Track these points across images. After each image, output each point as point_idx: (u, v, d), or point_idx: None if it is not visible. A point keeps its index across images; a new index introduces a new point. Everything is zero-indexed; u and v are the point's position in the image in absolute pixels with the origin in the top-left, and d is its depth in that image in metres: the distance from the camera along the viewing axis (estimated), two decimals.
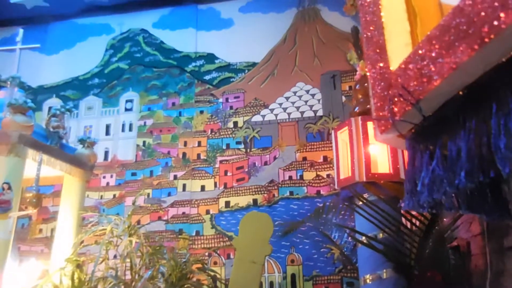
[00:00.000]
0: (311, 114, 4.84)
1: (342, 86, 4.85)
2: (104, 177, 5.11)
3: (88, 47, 5.66)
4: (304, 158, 4.70)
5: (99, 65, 5.57)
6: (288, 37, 5.19)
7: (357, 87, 3.33)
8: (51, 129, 3.04)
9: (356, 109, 3.23)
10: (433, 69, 0.86)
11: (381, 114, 1.11)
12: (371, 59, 1.08)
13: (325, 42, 5.03)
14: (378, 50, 1.04)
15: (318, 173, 4.61)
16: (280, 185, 4.66)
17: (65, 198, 3.33)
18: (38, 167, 2.73)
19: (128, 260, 2.89)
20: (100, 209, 4.95)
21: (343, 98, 4.82)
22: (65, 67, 5.63)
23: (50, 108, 5.44)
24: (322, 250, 4.29)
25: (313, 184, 4.58)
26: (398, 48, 1.01)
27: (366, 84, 3.11)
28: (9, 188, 2.58)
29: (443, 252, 2.38)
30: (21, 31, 3.55)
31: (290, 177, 4.66)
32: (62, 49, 5.70)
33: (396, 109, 1.04)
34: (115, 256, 3.11)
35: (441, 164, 1.00)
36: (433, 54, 0.86)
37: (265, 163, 4.79)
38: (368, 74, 1.10)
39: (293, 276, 4.31)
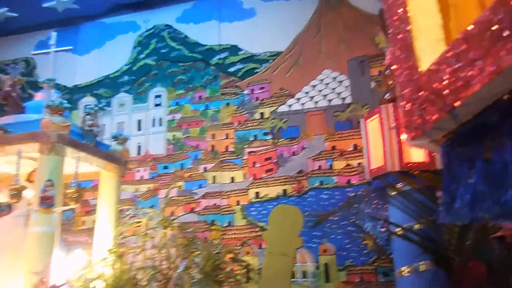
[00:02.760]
0: (339, 101, 4.64)
1: (371, 71, 4.59)
2: (138, 171, 5.16)
3: (117, 45, 5.66)
4: (333, 147, 4.53)
5: (128, 63, 5.57)
6: (312, 24, 4.95)
7: (387, 72, 3.11)
8: (86, 128, 3.08)
9: (387, 96, 3.04)
10: (471, 72, 0.71)
11: (411, 119, 0.96)
12: (397, 58, 0.93)
13: (352, 27, 4.76)
14: (404, 48, 0.89)
15: (348, 162, 4.42)
16: (309, 175, 4.52)
17: (102, 192, 3.41)
18: (76, 164, 2.79)
19: (164, 251, 2.92)
20: (136, 201, 5.00)
21: (373, 84, 4.56)
22: (96, 66, 5.67)
23: (85, 106, 5.52)
24: (355, 240, 4.14)
25: (344, 174, 4.41)
26: (428, 45, 0.85)
27: None
28: (52, 185, 2.65)
29: (486, 243, 2.21)
30: (54, 34, 3.56)
31: (320, 167, 4.51)
32: (93, 48, 5.74)
33: (427, 116, 0.89)
34: (152, 247, 3.13)
35: (484, 178, 0.84)
36: (471, 55, 0.70)
37: (293, 153, 4.65)
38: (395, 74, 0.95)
39: (326, 266, 4.20)
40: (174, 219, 3.51)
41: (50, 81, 3.16)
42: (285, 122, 4.77)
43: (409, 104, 0.96)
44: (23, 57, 5.92)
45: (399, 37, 0.89)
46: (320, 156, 4.53)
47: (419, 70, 0.85)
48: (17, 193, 2.65)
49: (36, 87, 5.20)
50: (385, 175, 2.86)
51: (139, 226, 3.18)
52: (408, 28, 0.89)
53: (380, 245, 3.95)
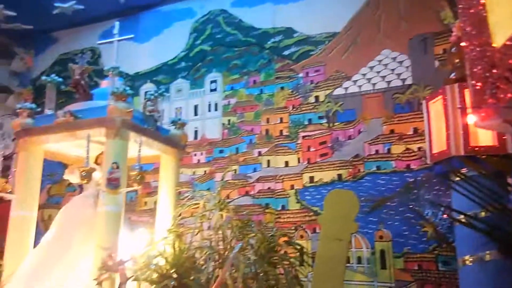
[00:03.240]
0: (399, 83, 4.42)
1: (435, 49, 4.31)
2: (195, 155, 5.32)
3: (174, 32, 5.79)
4: (392, 131, 4.35)
5: (184, 49, 5.70)
6: (370, 1, 4.73)
7: (453, 50, 2.92)
8: (147, 113, 3.21)
9: (452, 75, 2.86)
10: None
11: (481, 99, 0.90)
12: (468, 34, 0.86)
13: (414, 2, 4.47)
14: (477, 23, 0.82)
15: (408, 146, 4.24)
16: (366, 160, 4.40)
17: (162, 175, 3.57)
18: (139, 148, 2.92)
19: (220, 232, 3.03)
20: (194, 184, 5.18)
21: (436, 63, 4.29)
22: (156, 53, 5.87)
23: (146, 92, 5.77)
24: (413, 227, 3.99)
25: (402, 158, 4.23)
26: (503, 20, 0.78)
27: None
28: (117, 167, 2.81)
29: None
30: (117, 23, 3.73)
31: (377, 151, 4.36)
32: (152, 36, 5.93)
33: (500, 95, 0.82)
34: (208, 228, 3.25)
35: None
36: None
37: (349, 137, 4.54)
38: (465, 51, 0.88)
39: (382, 252, 4.11)
40: (229, 202, 3.60)
41: (114, 69, 3.33)
42: (340, 105, 4.65)
43: (480, 83, 0.89)
44: (89, 47, 6.27)
45: (470, 11, 0.82)
46: (378, 140, 4.38)
47: (492, 46, 0.79)
48: (87, 175, 2.85)
49: (102, 75, 5.52)
50: (449, 159, 2.71)
51: (196, 207, 3.31)
52: (481, 2, 0.82)
53: (441, 233, 3.78)
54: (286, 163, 4.78)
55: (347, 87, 4.66)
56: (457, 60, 2.81)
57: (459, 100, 2.69)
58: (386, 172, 4.26)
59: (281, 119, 4.94)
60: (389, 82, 4.47)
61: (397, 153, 4.26)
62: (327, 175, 4.51)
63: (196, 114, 5.47)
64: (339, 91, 4.69)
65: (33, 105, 3.28)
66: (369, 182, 4.30)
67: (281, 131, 4.91)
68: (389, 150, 4.31)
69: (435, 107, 2.90)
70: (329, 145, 4.60)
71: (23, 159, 3.21)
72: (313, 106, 4.79)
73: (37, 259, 3.00)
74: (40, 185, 3.37)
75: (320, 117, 4.73)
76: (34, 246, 3.20)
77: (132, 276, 2.74)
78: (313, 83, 4.85)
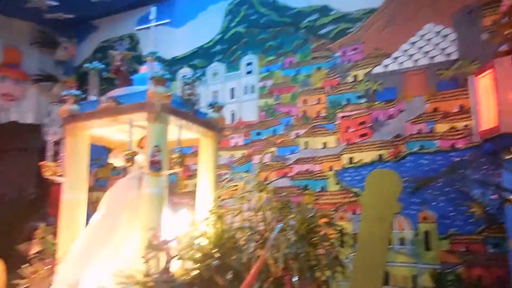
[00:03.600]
0: (443, 58, 4.21)
1: (482, 21, 4.05)
2: (232, 138, 5.37)
3: (209, 15, 5.79)
4: (435, 109, 4.18)
5: (219, 32, 5.69)
6: None
7: (503, 20, 2.75)
8: (186, 97, 3.25)
9: (503, 48, 2.70)
10: None
11: None
12: None
13: None
14: None
15: (453, 124, 4.05)
16: (407, 140, 4.26)
17: (202, 158, 3.62)
18: (179, 131, 2.97)
19: (260, 213, 3.05)
20: (232, 167, 5.24)
21: (484, 36, 4.02)
22: (191, 37, 5.91)
23: (182, 77, 5.85)
24: (459, 208, 3.85)
25: (447, 137, 4.06)
26: None
27: None
28: (159, 150, 2.87)
29: None
30: (153, 9, 3.76)
31: (419, 130, 4.21)
32: (187, 21, 5.97)
33: None
34: (248, 209, 3.29)
35: None
36: None
37: (390, 117, 4.40)
38: None
39: (426, 233, 4.00)
40: (268, 184, 3.61)
41: (152, 54, 3.38)
42: (380, 84, 4.50)
43: None
44: (128, 33, 6.41)
45: None
46: (420, 118, 4.22)
47: None
48: (130, 158, 2.92)
49: (140, 61, 5.63)
50: (499, 136, 2.58)
51: (236, 189, 3.35)
52: None
53: (490, 213, 3.63)
54: (324, 145, 4.72)
55: (387, 65, 4.50)
56: (507, 32, 2.64)
57: (511, 74, 2.53)
58: (429, 151, 4.11)
59: (318, 100, 4.87)
60: (432, 57, 4.27)
61: (441, 132, 4.10)
62: (367, 156, 4.42)
63: (232, 97, 5.49)
64: (378, 69, 4.54)
65: (78, 92, 3.39)
66: (411, 163, 4.17)
67: (318, 112, 4.85)
68: (432, 129, 4.15)
69: (484, 82, 2.75)
70: (369, 125, 4.50)
71: (71, 144, 3.34)
72: (351, 86, 4.68)
73: (87, 238, 3.15)
74: (89, 169, 3.51)
75: (359, 97, 4.61)
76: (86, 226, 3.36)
77: (177, 255, 2.83)
78: (351, 62, 4.72)
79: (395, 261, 3.99)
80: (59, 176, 3.27)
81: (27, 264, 3.18)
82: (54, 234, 3.30)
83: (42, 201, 6.73)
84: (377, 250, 3.02)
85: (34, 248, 3.28)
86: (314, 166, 4.72)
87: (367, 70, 4.60)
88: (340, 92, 4.74)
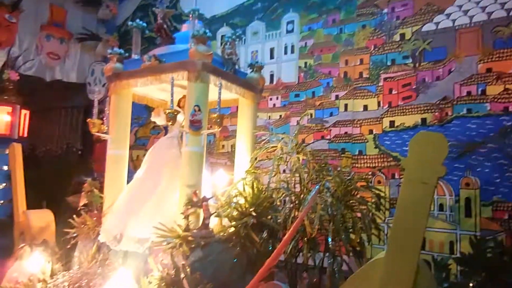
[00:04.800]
0: (502, 14, 3.86)
1: None
2: (270, 99, 5.33)
3: None
4: (489, 70, 3.91)
5: None
6: None
7: None
8: (226, 56, 3.23)
9: None
10: None
11: None
12: None
13: None
14: None
15: (507, 86, 3.80)
16: (455, 102, 4.05)
17: (240, 118, 3.64)
18: (219, 91, 2.97)
19: (297, 175, 3.09)
20: (269, 128, 5.25)
21: None
22: None
23: (222, 36, 5.80)
24: (506, 174, 3.69)
25: (500, 100, 3.82)
26: None
27: None
28: (199, 109, 2.91)
29: None
30: None
31: (469, 93, 3.98)
32: None
33: None
34: (284, 171, 3.32)
35: None
36: None
37: (437, 78, 4.18)
38: None
39: (467, 200, 3.88)
40: (305, 146, 3.59)
41: (194, 11, 3.34)
42: (429, 43, 4.25)
43: None
44: None
45: None
46: (471, 80, 3.97)
47: None
48: (172, 117, 2.97)
49: (180, 20, 5.62)
50: None
51: (273, 151, 3.37)
52: None
53: None
54: (365, 107, 4.59)
55: (439, 22, 4.21)
56: None
57: None
58: (479, 115, 3.89)
59: (361, 60, 4.68)
60: (490, 13, 3.93)
61: (493, 94, 3.86)
62: (410, 120, 4.26)
63: (272, 57, 5.39)
64: (428, 27, 4.26)
65: (122, 51, 3.44)
66: (457, 127, 3.99)
67: (360, 73, 4.68)
68: (483, 91, 3.91)
69: None
70: (414, 87, 4.30)
71: (115, 101, 3.44)
72: (398, 45, 4.44)
73: (131, 194, 3.31)
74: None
75: (405, 57, 4.38)
76: (127, 182, 3.52)
77: (215, 212, 2.93)
78: (399, 19, 4.46)
79: (433, 226, 3.93)
80: (104, 133, 3.40)
81: (75, 215, 3.42)
82: (99, 188, 3.49)
83: (88, 157, 7.11)
84: (418, 214, 2.97)
85: (82, 201, 3.48)
86: (353, 129, 4.63)
87: (416, 28, 4.33)
88: (385, 52, 4.52)
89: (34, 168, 4.92)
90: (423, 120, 4.19)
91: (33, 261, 3.00)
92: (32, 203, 4.40)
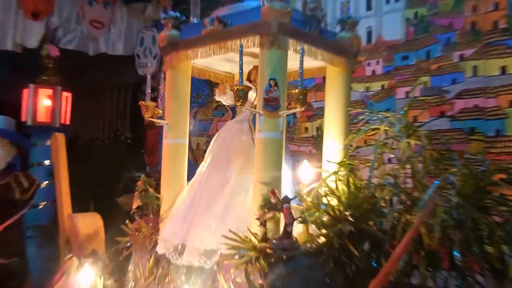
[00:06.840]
0: None
1: None
2: (368, 64, 5.27)
3: None
4: None
5: None
6: None
7: None
8: (308, 13, 3.23)
9: None
10: None
11: None
12: None
13: None
14: None
15: None
16: None
17: (329, 93, 3.62)
18: (300, 59, 2.93)
19: (408, 166, 3.04)
20: (367, 103, 5.18)
21: None
22: None
23: None
24: None
25: None
26: None
27: None
28: (276, 84, 2.92)
29: None
30: None
31: None
32: None
33: None
34: (389, 160, 3.28)
35: None
36: None
37: None
38: None
39: None
40: (419, 126, 3.49)
41: None
42: None
43: None
44: None
45: None
46: None
47: None
48: (243, 95, 2.92)
49: None
50: None
51: (374, 134, 3.32)
52: None
53: None
54: (503, 70, 4.35)
55: None
56: None
57: None
58: None
59: (495, 4, 4.41)
60: None
61: None
62: None
63: (369, 8, 5.30)
64: None
65: (178, 14, 3.52)
66: None
67: (495, 22, 4.41)
68: None
69: None
70: None
71: (171, 78, 3.54)
72: None
73: (193, 194, 3.43)
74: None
75: None
76: (187, 179, 3.66)
77: (299, 217, 2.96)
78: None
79: None
80: (159, 118, 3.54)
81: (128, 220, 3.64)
82: (153, 186, 3.66)
83: (138, 147, 7.52)
84: None
85: (135, 202, 3.66)
86: (486, 100, 4.43)
87: None
88: None
89: (78, 162, 5.30)
90: None
91: (83, 276, 3.21)
92: (78, 205, 4.73)
